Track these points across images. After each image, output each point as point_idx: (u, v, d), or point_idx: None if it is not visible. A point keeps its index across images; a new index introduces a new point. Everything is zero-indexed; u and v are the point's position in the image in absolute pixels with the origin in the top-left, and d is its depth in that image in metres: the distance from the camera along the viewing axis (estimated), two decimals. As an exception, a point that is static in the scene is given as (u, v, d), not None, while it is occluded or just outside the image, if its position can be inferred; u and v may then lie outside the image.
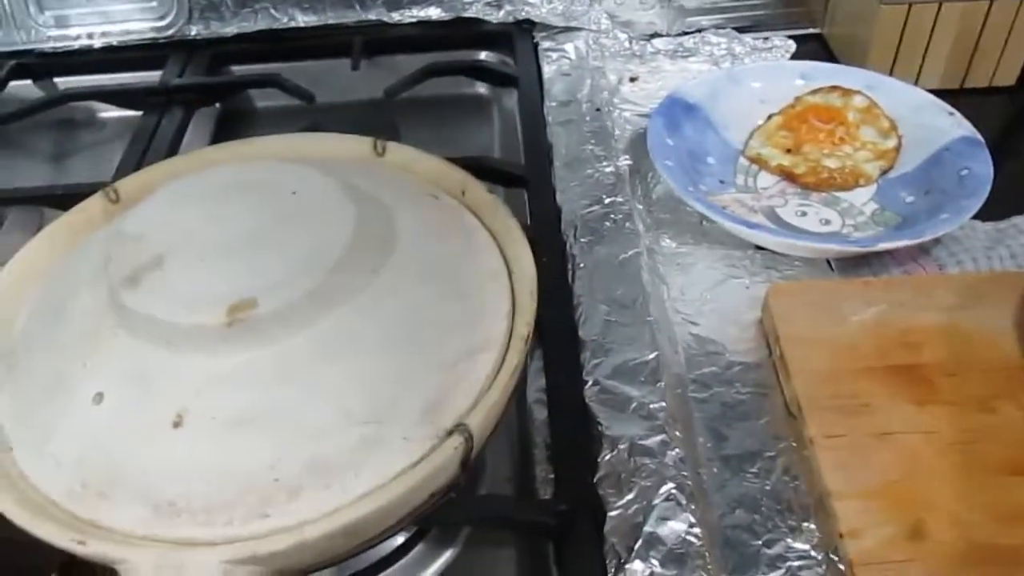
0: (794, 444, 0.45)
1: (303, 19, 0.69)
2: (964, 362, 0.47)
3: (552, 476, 0.39)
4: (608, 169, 0.54)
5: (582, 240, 0.49)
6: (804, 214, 0.57)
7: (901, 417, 0.45)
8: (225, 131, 0.66)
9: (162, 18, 0.68)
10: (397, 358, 0.31)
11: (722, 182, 0.59)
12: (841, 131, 0.60)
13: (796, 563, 0.41)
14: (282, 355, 0.31)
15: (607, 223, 0.50)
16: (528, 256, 0.36)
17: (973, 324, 0.49)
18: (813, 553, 0.41)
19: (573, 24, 0.68)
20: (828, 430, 0.44)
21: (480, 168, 0.55)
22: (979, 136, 0.56)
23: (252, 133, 0.66)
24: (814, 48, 0.73)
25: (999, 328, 0.48)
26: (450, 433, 0.30)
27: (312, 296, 0.31)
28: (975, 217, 0.56)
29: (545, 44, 0.66)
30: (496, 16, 0.68)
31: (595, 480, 0.38)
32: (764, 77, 0.64)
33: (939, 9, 0.64)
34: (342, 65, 0.65)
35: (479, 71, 0.66)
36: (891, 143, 0.60)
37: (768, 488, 0.44)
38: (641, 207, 0.57)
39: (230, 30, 0.70)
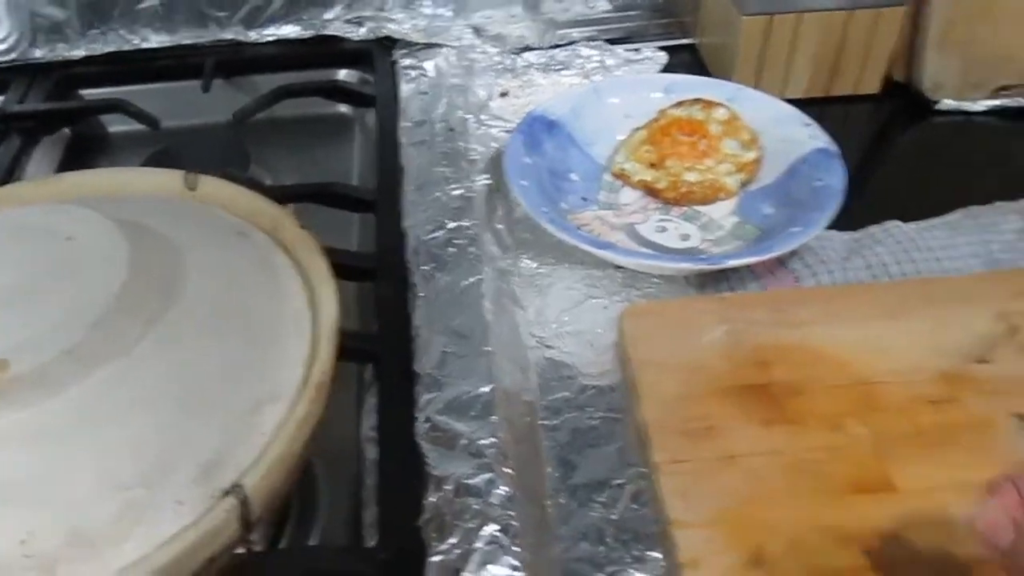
0: (643, 470, 0.44)
1: (156, 40, 0.67)
2: (812, 380, 0.46)
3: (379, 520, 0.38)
4: (456, 192, 0.52)
5: (424, 268, 0.47)
6: (664, 230, 0.57)
7: (747, 439, 0.44)
8: (75, 157, 0.63)
9: (2, 41, 0.65)
10: (171, 416, 0.29)
11: (585, 199, 0.58)
12: (703, 144, 0.60)
13: (639, 595, 0.40)
14: (38, 419, 0.28)
15: (450, 249, 0.49)
16: (331, 296, 0.35)
17: (823, 340, 0.48)
18: (659, 584, 0.40)
19: (435, 40, 0.66)
20: (672, 455, 0.43)
21: (327, 194, 0.53)
22: (834, 147, 0.56)
23: (103, 158, 0.63)
24: (686, 59, 0.72)
25: (848, 343, 0.48)
26: (226, 493, 0.28)
27: (70, 354, 0.29)
28: (834, 227, 0.56)
29: (405, 62, 0.65)
30: (357, 33, 0.67)
31: (419, 524, 0.37)
32: (628, 91, 0.63)
33: (799, 20, 0.64)
34: (195, 87, 0.63)
35: (335, 91, 0.64)
36: (752, 155, 0.59)
37: (615, 518, 0.43)
38: (502, 227, 0.55)
39: (78, 53, 0.67)
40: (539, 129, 0.59)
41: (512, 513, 0.37)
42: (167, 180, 0.40)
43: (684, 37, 0.73)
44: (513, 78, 0.70)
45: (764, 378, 0.47)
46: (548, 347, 0.50)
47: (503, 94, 0.68)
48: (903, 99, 0.68)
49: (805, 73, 0.67)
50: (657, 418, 0.45)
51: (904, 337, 0.48)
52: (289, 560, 0.35)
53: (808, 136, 0.58)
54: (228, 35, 0.67)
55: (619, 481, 0.44)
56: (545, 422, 0.46)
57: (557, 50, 0.72)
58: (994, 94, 0.68)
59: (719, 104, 0.61)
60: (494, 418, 0.40)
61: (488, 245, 0.51)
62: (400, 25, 0.66)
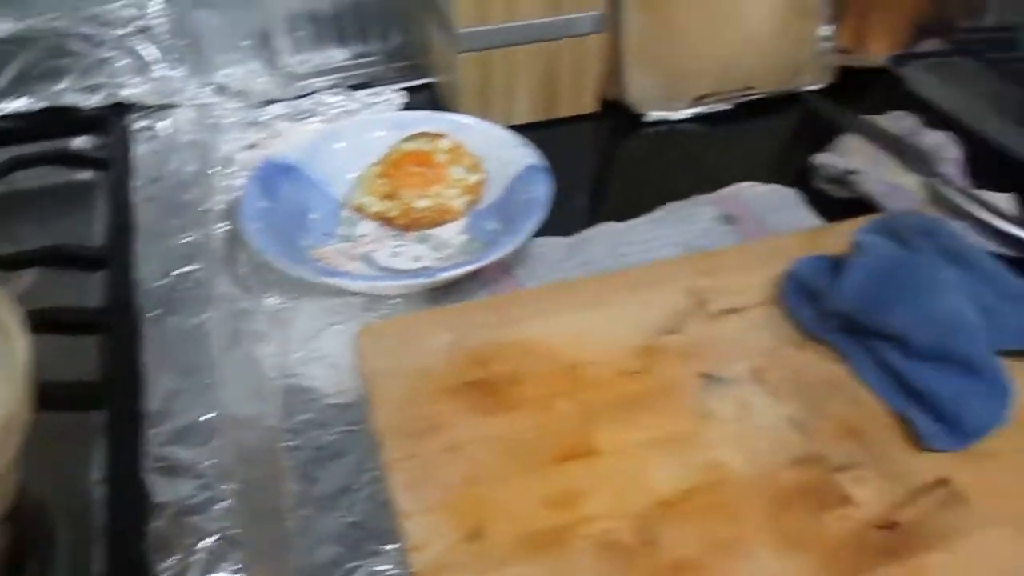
0: (379, 473, 0.48)
1: None
2: (527, 369, 0.51)
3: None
4: (186, 240, 0.55)
5: (151, 314, 0.50)
6: (398, 254, 0.61)
7: (468, 429, 0.48)
8: None
9: None
10: None
11: (325, 235, 0.62)
12: (432, 173, 0.65)
13: (378, 584, 0.43)
14: None
15: (176, 293, 0.51)
16: (24, 347, 0.37)
17: (537, 333, 0.54)
18: (394, 571, 0.44)
19: (169, 101, 0.69)
20: (400, 453, 0.47)
21: (58, 256, 0.55)
22: (541, 162, 0.63)
23: None
24: (424, 98, 0.78)
25: (559, 333, 0.54)
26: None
27: None
28: (556, 233, 0.62)
29: (140, 124, 0.67)
30: (91, 101, 0.68)
31: (144, 551, 0.39)
32: (361, 131, 0.68)
33: (513, 53, 0.70)
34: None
35: (67, 158, 0.65)
36: (476, 178, 0.65)
37: (355, 520, 0.46)
38: (246, 270, 0.58)
39: None
40: (275, 174, 0.62)
41: (229, 524, 0.39)
42: None
43: (421, 77, 0.79)
44: (261, 130, 0.73)
45: (483, 373, 0.51)
46: (292, 375, 0.53)
47: (251, 146, 0.71)
48: (617, 115, 0.76)
49: (526, 100, 0.73)
50: (387, 422, 0.49)
51: (608, 321, 0.54)
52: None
53: (521, 155, 0.64)
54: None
55: (357, 486, 0.47)
56: (289, 443, 0.49)
57: (301, 100, 0.76)
58: (694, 103, 0.77)
59: (442, 135, 0.66)
60: (216, 442, 0.43)
61: (223, 287, 0.54)
62: (134, 89, 0.69)
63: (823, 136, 0.70)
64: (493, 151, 0.65)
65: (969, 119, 0.75)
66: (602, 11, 0.70)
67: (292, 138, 0.71)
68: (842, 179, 0.66)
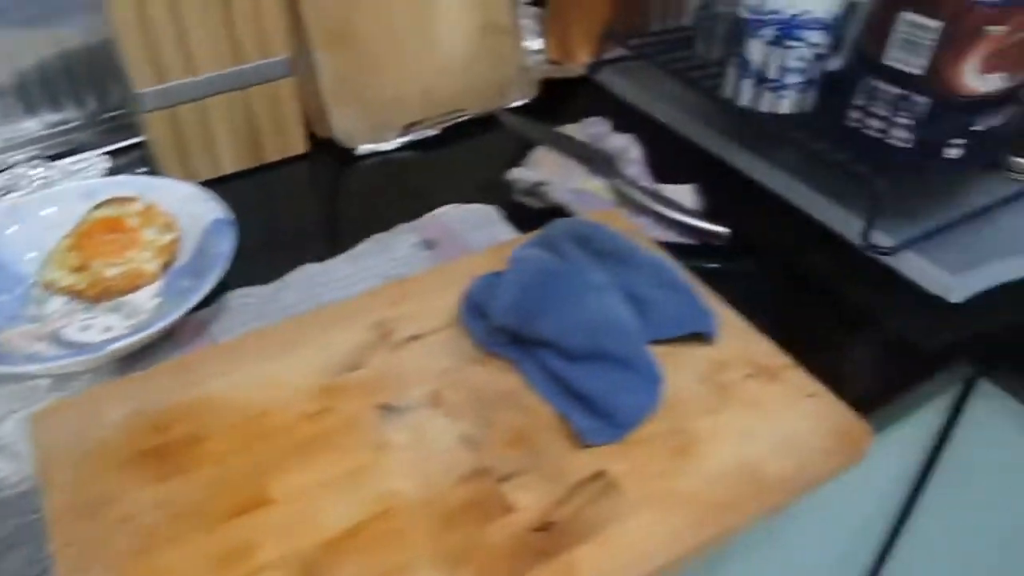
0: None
1: None
2: (210, 427, 0.51)
3: None
4: None
5: None
6: (88, 328, 0.60)
7: (140, 499, 0.48)
8: None
9: None
10: None
11: (11, 318, 0.60)
12: (125, 238, 0.64)
13: None
14: None
15: None
16: None
17: (223, 389, 0.54)
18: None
19: None
20: (66, 539, 0.46)
21: None
22: (227, 215, 0.63)
23: None
24: (134, 158, 0.77)
25: (244, 386, 0.54)
26: None
27: None
28: (262, 282, 0.63)
29: None
30: None
31: None
32: (49, 204, 0.66)
33: (202, 107, 0.70)
34: None
35: None
36: (169, 237, 0.64)
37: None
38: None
39: None
40: (-53, 263, 0.60)
41: None
42: None
43: (128, 139, 0.78)
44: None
45: (162, 439, 0.51)
46: (-32, 471, 0.52)
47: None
48: (331, 152, 0.77)
49: (229, 151, 0.73)
50: (58, 505, 0.48)
51: (291, 367, 0.55)
52: None
53: (209, 210, 0.64)
54: None
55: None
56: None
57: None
58: (404, 131, 0.79)
59: (133, 199, 0.66)
60: None
61: None
62: None
63: (521, 151, 0.73)
64: (185, 208, 0.65)
65: (659, 117, 0.80)
66: (287, 55, 0.71)
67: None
68: (534, 191, 0.69)
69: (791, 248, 0.68)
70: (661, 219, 0.67)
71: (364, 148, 0.77)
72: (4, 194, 0.72)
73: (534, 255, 0.56)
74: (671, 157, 0.75)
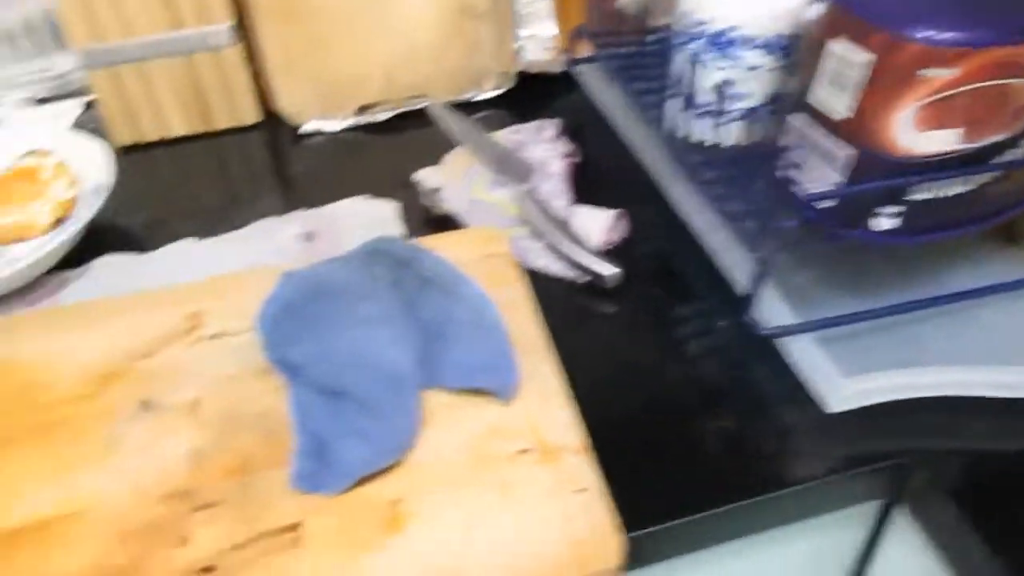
0: None
1: None
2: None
3: None
4: None
5: None
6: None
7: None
8: None
9: None
10: None
11: (-81, 249, 0.65)
12: (34, 189, 0.66)
13: None
14: None
15: None
16: None
17: (26, 353, 0.54)
18: None
19: None
20: None
21: None
22: (107, 180, 0.63)
23: None
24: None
25: (35, 354, 0.54)
26: None
27: None
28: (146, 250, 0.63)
29: None
30: None
31: None
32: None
33: (142, 69, 0.71)
34: None
35: None
36: (69, 194, 0.66)
37: None
38: None
39: None
40: None
41: None
42: None
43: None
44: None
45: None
46: None
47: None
48: (281, 125, 0.76)
49: (175, 113, 0.74)
50: None
51: (98, 343, 0.55)
52: None
53: (101, 173, 0.64)
54: None
55: None
56: None
57: (-12, 113, 0.79)
58: (359, 112, 0.75)
59: (48, 153, 0.68)
60: None
61: None
62: None
63: (449, 149, 0.68)
64: (91, 169, 0.66)
65: (618, 127, 0.70)
66: (229, 24, 0.70)
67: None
68: (432, 195, 0.64)
69: (683, 299, 0.57)
70: (552, 247, 0.59)
71: (310, 126, 0.75)
72: (-10, 131, 0.78)
73: (319, 272, 0.51)
74: (613, 174, 0.66)
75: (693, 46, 0.55)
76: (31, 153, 0.68)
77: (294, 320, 0.49)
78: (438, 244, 0.58)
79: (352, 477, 0.45)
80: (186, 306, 0.57)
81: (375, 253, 0.53)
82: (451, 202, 0.62)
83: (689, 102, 0.57)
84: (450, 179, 0.63)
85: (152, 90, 0.72)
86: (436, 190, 0.63)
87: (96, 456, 0.48)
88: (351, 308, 0.49)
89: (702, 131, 0.58)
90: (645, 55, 0.67)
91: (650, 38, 0.68)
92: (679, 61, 0.57)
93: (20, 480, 0.47)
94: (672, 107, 0.60)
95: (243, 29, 0.72)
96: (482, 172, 0.64)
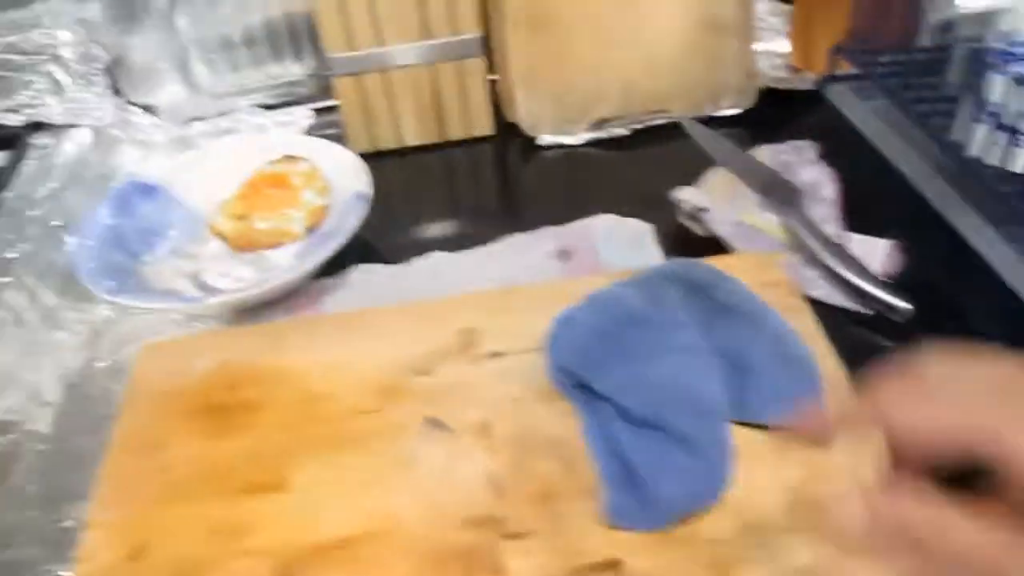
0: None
1: None
2: (272, 397, 0.52)
3: None
4: (8, 255, 0.60)
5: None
6: (225, 275, 0.64)
7: (185, 452, 0.50)
8: None
9: None
10: None
11: (173, 253, 0.66)
12: (286, 195, 0.67)
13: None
14: None
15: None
16: None
17: (297, 363, 0.54)
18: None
19: (76, 121, 0.75)
20: (113, 469, 0.50)
21: None
22: (368, 191, 0.63)
23: None
24: (337, 117, 0.80)
25: (318, 364, 0.54)
26: None
27: None
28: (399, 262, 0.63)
29: (45, 141, 0.74)
30: (14, 120, 0.76)
31: None
32: (233, 153, 0.71)
33: (387, 78, 0.71)
34: None
35: None
36: (322, 202, 0.66)
37: (68, 525, 0.50)
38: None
39: None
40: (134, 193, 0.67)
41: None
42: None
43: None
44: (180, 147, 0.79)
45: (229, 398, 0.53)
46: (85, 384, 0.58)
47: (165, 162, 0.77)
48: (517, 137, 0.75)
49: (412, 122, 0.74)
50: (120, 437, 0.52)
51: (370, 356, 0.54)
52: None
53: (357, 182, 0.64)
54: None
55: (89, 495, 0.51)
56: (39, 447, 0.54)
57: (222, 118, 0.80)
58: (594, 126, 0.74)
59: (301, 159, 0.68)
60: None
61: (42, 298, 0.59)
62: (50, 109, 0.76)
63: (703, 167, 0.65)
64: (342, 177, 0.66)
65: (883, 151, 0.67)
66: (478, 34, 0.69)
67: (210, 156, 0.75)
68: (695, 216, 0.61)
69: (980, 339, 0.53)
70: (832, 276, 0.56)
71: (547, 139, 0.74)
72: (227, 135, 0.79)
73: (623, 296, 0.49)
74: (881, 202, 0.63)
75: (1016, 68, 0.51)
76: (283, 159, 0.69)
77: (603, 346, 0.47)
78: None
79: (671, 515, 0.43)
80: (455, 322, 0.56)
81: (669, 277, 0.51)
82: (716, 224, 0.60)
83: (1002, 127, 0.53)
84: (715, 200, 0.61)
85: (393, 99, 0.72)
86: (701, 210, 0.60)
87: (390, 475, 0.47)
88: (663, 336, 0.47)
89: (1013, 159, 0.54)
90: (927, 73, 0.64)
91: (928, 55, 0.65)
92: (996, 83, 0.53)
93: (318, 494, 0.47)
94: (971, 130, 0.56)
95: (486, 39, 0.71)
96: (747, 194, 0.62)
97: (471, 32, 0.69)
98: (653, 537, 0.43)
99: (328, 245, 0.59)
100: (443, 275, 0.62)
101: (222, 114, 0.80)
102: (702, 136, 0.65)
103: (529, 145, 0.74)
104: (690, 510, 0.43)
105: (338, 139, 0.73)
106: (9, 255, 0.60)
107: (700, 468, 0.44)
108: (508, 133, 0.75)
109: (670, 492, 0.43)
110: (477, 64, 0.71)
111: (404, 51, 0.69)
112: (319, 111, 0.80)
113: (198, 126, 0.80)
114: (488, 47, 0.71)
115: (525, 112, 0.73)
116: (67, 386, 0.57)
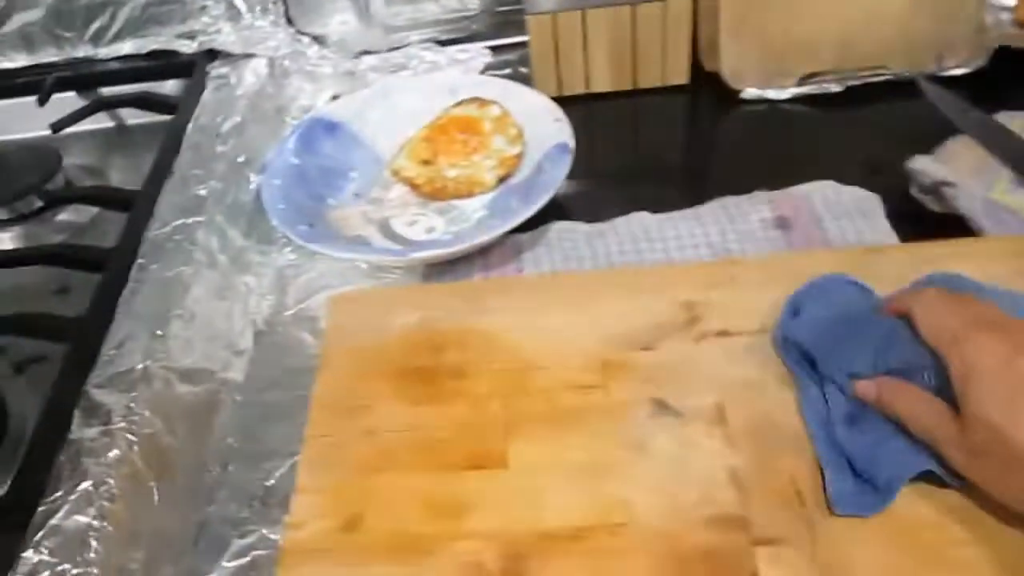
0: (311, 442, 0.49)
1: (20, 59, 0.76)
2: (479, 363, 0.49)
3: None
4: (200, 191, 0.58)
5: (140, 260, 0.53)
6: (414, 223, 0.60)
7: (391, 416, 0.47)
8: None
9: None
10: None
11: (357, 195, 0.63)
12: (475, 141, 0.63)
13: (262, 552, 0.45)
14: None
15: (170, 244, 0.54)
16: None
17: (504, 327, 0.51)
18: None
19: (253, 51, 0.71)
20: (320, 430, 0.47)
21: (97, 197, 0.60)
22: (571, 142, 0.58)
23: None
24: (511, 57, 0.75)
25: (526, 330, 0.51)
26: None
27: None
28: (592, 219, 0.58)
29: (221, 71, 0.71)
30: (190, 47, 0.73)
31: (40, 481, 0.43)
32: (416, 91, 0.67)
33: (584, 16, 0.65)
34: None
35: (144, 102, 0.70)
36: (514, 151, 0.62)
37: (271, 484, 0.48)
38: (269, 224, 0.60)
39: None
40: (318, 131, 0.64)
41: (112, 471, 0.42)
42: None
43: (513, 36, 0.76)
44: (352, 81, 0.75)
45: (434, 361, 0.50)
46: (274, 332, 0.55)
47: (334, 97, 0.73)
48: (713, 90, 0.69)
49: (604, 67, 0.68)
50: (322, 394, 0.49)
51: (582, 326, 0.50)
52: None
53: (556, 131, 0.60)
54: (79, 53, 0.75)
55: (287, 452, 0.48)
56: (237, 398, 0.52)
57: (393, 53, 0.76)
58: (803, 81, 0.67)
59: (492, 102, 0.64)
60: (139, 392, 0.45)
61: (231, 239, 0.57)
62: (225, 37, 0.72)
63: (938, 135, 0.59)
64: (536, 124, 0.62)
65: None
66: (690, -27, 0.63)
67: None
68: (935, 190, 0.55)
69: None
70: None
71: (751, 92, 0.67)
72: (392, 72, 0.75)
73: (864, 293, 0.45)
74: None
75: None
76: (471, 101, 0.65)
77: (839, 329, 0.43)
78: (950, 252, 0.50)
79: (895, 488, 0.39)
80: (676, 293, 0.51)
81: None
82: (962, 200, 0.54)
83: None
84: (959, 173, 0.55)
85: (586, 41, 0.67)
86: (944, 184, 0.54)
87: (621, 460, 0.44)
88: (895, 329, 0.42)
89: None
90: None
91: None
92: None
93: (539, 475, 0.44)
94: None
95: (693, -21, 0.65)
96: (996, 168, 0.55)
97: (682, -30, 0.63)
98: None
99: (531, 200, 0.55)
100: (648, 237, 0.57)
101: (393, 48, 0.76)
102: (940, 98, 0.58)
103: (729, 98, 0.68)
104: (904, 479, 0.40)
105: (519, 79, 0.69)
106: (200, 191, 0.57)
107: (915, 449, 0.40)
108: (705, 83, 0.69)
109: (889, 475, 0.39)
110: (683, 5, 0.65)
111: (606, -12, 0.64)
112: (494, 49, 0.75)
113: (368, 60, 0.76)
114: (693, -13, 0.65)
115: (730, 61, 0.67)
116: (256, 333, 0.55)
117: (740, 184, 0.59)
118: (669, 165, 0.65)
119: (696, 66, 0.69)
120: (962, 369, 0.37)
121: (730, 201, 0.59)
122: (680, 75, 0.69)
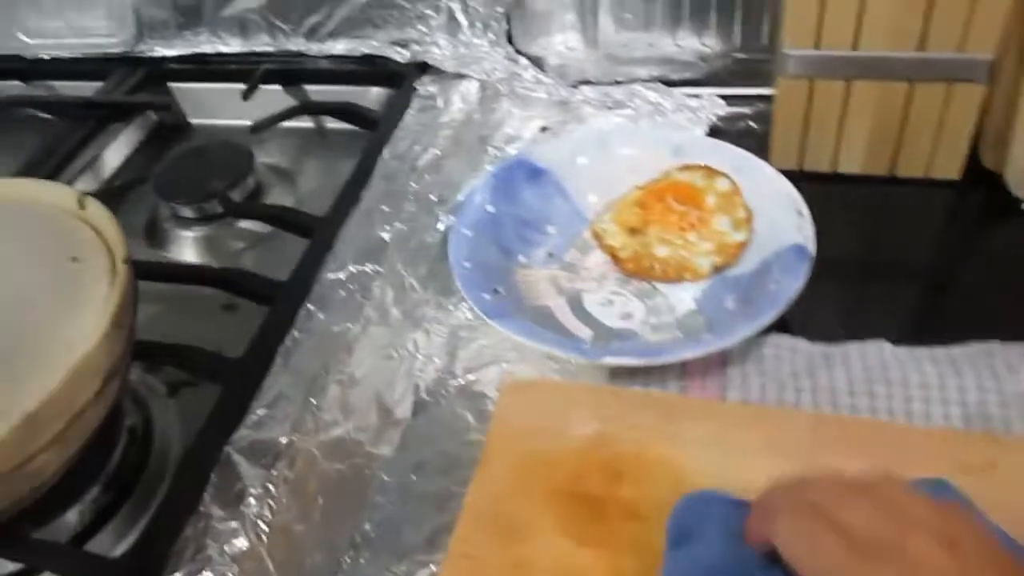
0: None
1: (235, 44, 0.74)
2: (657, 506, 0.42)
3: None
4: (383, 234, 0.52)
5: (309, 306, 0.49)
6: (610, 303, 0.53)
7: (548, 551, 0.41)
8: (152, 141, 0.72)
9: (112, 35, 0.75)
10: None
11: (551, 255, 0.56)
12: (694, 216, 0.55)
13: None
14: None
15: (343, 292, 0.49)
16: (114, 300, 0.37)
17: (694, 464, 0.43)
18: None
19: (465, 71, 0.65)
20: (465, 547, 0.42)
21: (276, 218, 0.57)
22: (811, 248, 0.49)
23: (177, 144, 0.72)
24: (748, 111, 0.65)
25: (721, 474, 0.42)
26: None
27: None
28: (813, 336, 0.49)
29: (430, 89, 0.65)
30: (402, 56, 0.68)
31: (163, 551, 0.39)
32: (636, 145, 0.59)
33: (849, 88, 0.55)
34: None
35: (345, 112, 0.66)
36: (739, 237, 0.53)
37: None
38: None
39: (172, 52, 0.75)
40: (520, 176, 0.57)
41: (235, 567, 0.38)
42: (63, 196, 0.45)
43: (753, 86, 0.66)
44: (564, 112, 0.68)
45: (607, 491, 0.43)
46: (436, 404, 0.50)
47: (543, 128, 0.67)
48: (990, 192, 0.57)
49: (860, 147, 0.58)
50: (476, 503, 0.43)
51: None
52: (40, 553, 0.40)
53: (794, 228, 0.50)
54: (292, 46, 0.72)
55: (426, 557, 0.43)
56: (386, 478, 0.46)
57: (614, 87, 0.68)
58: (1109, 201, 0.55)
59: (722, 174, 0.55)
60: (275, 472, 0.41)
61: (406, 292, 0.52)
62: (439, 51, 0.67)
63: None
64: (771, 211, 0.53)
65: None
66: (990, 56, 0.52)
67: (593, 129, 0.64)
68: None
69: None
70: None
71: (1040, 204, 0.55)
72: (610, 108, 0.67)
73: None
74: None
75: None
76: (693, 168, 0.56)
77: None
78: None
79: None
80: (909, 467, 0.40)
81: None
82: None
83: None
84: None
85: (846, 115, 0.57)
86: None
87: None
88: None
89: None
90: None
91: None
92: None
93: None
94: None
95: (995, 64, 0.53)
96: None
97: (983, 52, 0.52)
98: None
99: (753, 313, 0.47)
100: (886, 379, 0.47)
101: (616, 82, 0.68)
102: None
103: (1010, 206, 0.56)
104: None
105: (751, 138, 0.59)
106: (383, 233, 0.53)
107: None
108: (980, 184, 0.57)
109: None
110: (975, 92, 0.53)
111: (883, 60, 0.53)
112: (727, 99, 0.66)
113: (586, 90, 0.68)
114: (992, 74, 0.53)
115: (1019, 166, 0.55)
116: (416, 402, 0.50)
117: (1015, 323, 0.48)
118: (922, 280, 0.54)
119: (973, 162, 0.58)
120: None
121: (998, 348, 0.48)
122: (952, 169, 0.57)
